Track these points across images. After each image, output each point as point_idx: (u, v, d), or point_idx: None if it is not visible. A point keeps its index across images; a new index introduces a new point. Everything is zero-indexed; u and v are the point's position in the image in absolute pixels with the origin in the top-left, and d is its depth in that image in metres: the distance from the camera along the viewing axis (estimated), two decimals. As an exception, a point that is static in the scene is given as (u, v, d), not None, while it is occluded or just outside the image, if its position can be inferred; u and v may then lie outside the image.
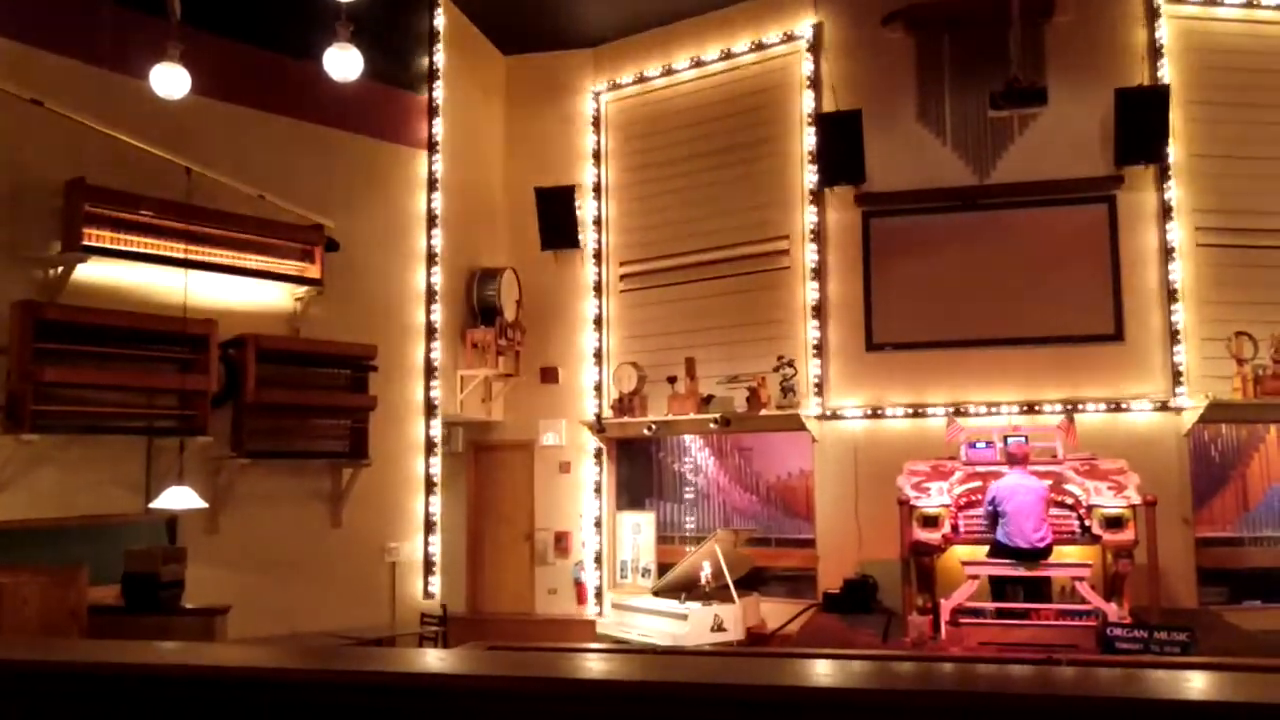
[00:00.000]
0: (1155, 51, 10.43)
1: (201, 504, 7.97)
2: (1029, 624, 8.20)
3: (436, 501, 11.02)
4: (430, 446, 11.02)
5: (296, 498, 9.96)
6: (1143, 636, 7.37)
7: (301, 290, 9.91)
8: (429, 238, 11.19)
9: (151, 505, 8.15)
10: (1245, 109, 10.48)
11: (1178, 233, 10.29)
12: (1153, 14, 10.46)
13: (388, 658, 4.26)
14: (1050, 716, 2.60)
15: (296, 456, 9.88)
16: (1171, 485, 9.73)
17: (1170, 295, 10.24)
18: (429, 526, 10.95)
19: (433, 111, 11.36)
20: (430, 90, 11.39)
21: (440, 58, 11.41)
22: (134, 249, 8.61)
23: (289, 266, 9.79)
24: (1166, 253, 10.29)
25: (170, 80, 7.32)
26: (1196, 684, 2.78)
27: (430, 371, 11.05)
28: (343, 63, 7.18)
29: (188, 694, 3.18)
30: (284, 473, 9.79)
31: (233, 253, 9.31)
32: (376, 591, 10.50)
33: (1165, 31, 10.44)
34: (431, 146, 11.31)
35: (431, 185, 11.25)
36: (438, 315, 11.11)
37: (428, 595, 10.87)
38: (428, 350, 11.06)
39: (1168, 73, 10.39)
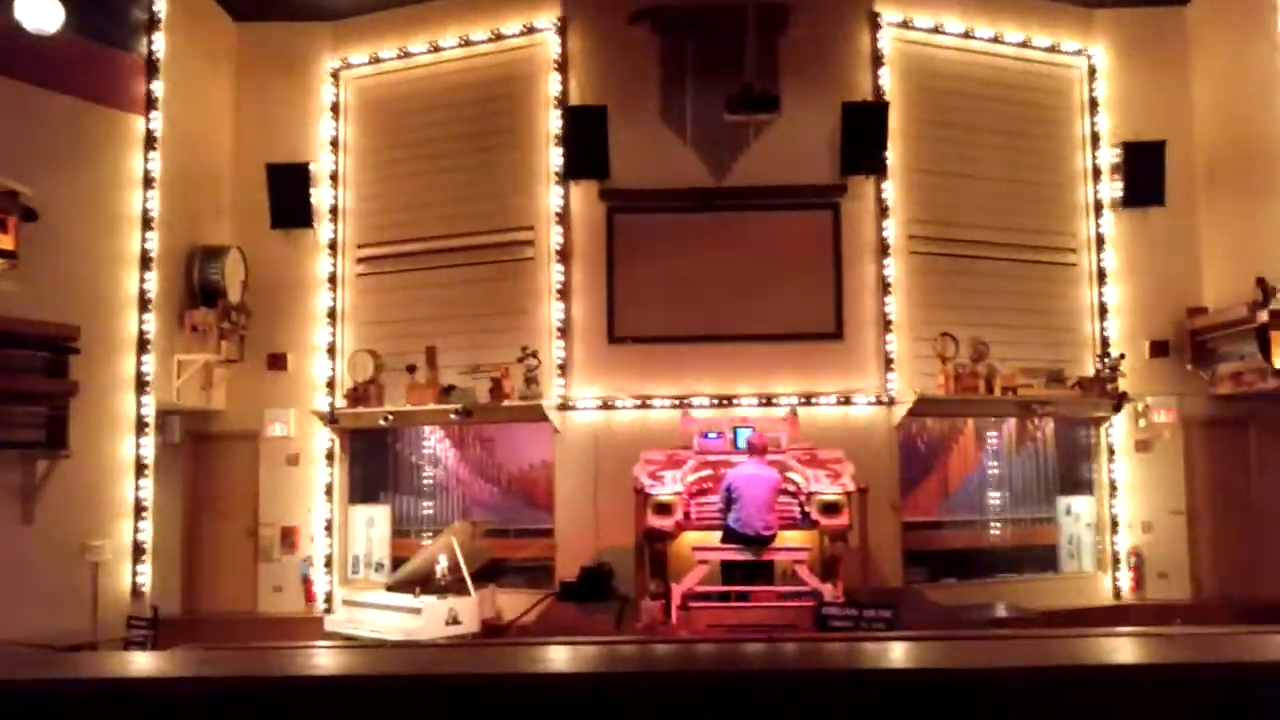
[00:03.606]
0: (878, 70, 11.17)
1: None
2: (753, 606, 8.56)
3: (148, 496, 10.21)
4: (141, 436, 10.17)
5: (-20, 492, 8.93)
6: (853, 615, 7.86)
7: (-10, 262, 8.87)
8: (144, 211, 10.33)
9: None
10: (955, 129, 11.46)
11: (892, 240, 11.07)
12: (876, 34, 11.20)
13: (78, 663, 3.85)
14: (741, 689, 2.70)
15: (-20, 447, 8.86)
16: (882, 474, 10.45)
17: (884, 298, 11.00)
18: (139, 523, 10.12)
19: (151, 75, 10.49)
20: (149, 51, 10.51)
21: (161, 17, 10.55)
22: None
23: (-26, 234, 8.74)
24: (882, 258, 11.05)
25: None
26: (870, 651, 2.95)
27: (142, 355, 10.20)
28: (39, 12, 6.47)
29: None
30: (-36, 465, 8.74)
31: (-97, 215, 8.21)
32: (75, 594, 9.57)
33: (887, 52, 11.21)
34: (149, 112, 10.45)
35: (148, 155, 10.40)
36: (152, 294, 10.29)
37: (136, 597, 10.05)
38: (140, 332, 10.21)
39: (888, 90, 11.15)
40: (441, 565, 9.61)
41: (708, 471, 9.24)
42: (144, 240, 10.32)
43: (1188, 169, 11.77)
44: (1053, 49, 11.83)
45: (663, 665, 2.92)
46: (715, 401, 10.80)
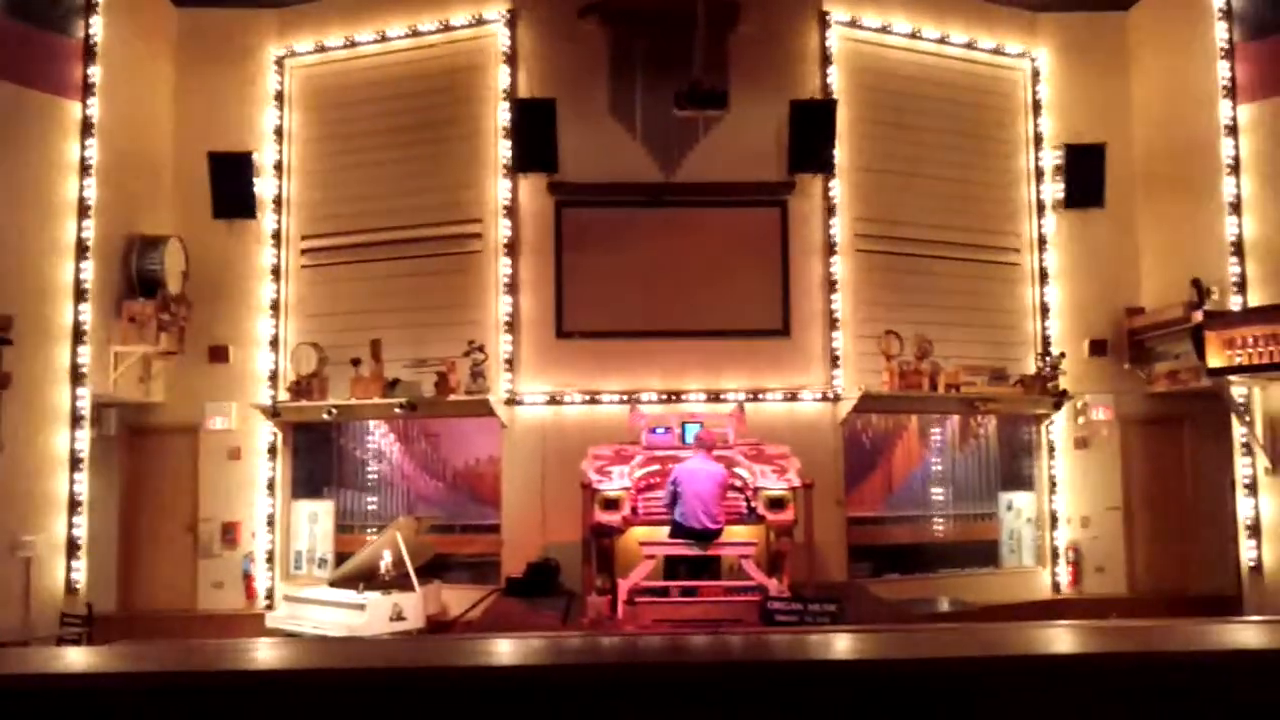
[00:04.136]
0: (826, 68, 11.23)
1: None
2: (699, 601, 8.58)
3: (83, 490, 10.00)
4: (76, 430, 9.94)
5: (-95, 487, 8.66)
6: (799, 609, 7.88)
7: (-84, 249, 8.61)
8: (81, 199, 10.13)
9: None
10: (902, 128, 11.58)
11: (839, 238, 11.15)
12: (825, 33, 11.26)
13: (7, 660, 3.74)
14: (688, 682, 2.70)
15: (-95, 440, 8.59)
16: (827, 469, 10.53)
17: (831, 295, 11.08)
18: (73, 518, 9.90)
19: (89, 60, 10.25)
20: (86, 36, 10.26)
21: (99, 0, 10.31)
22: None
23: (-100, 220, 8.47)
24: (829, 256, 11.13)
25: None
26: (786, 644, 2.96)
27: (78, 346, 9.97)
28: (-30, -13, 6.28)
29: None
30: (-111, 458, 8.48)
31: None
32: (7, 591, 9.35)
33: (836, 51, 11.28)
34: (86, 98, 10.21)
35: (85, 141, 10.18)
36: (88, 284, 10.07)
37: (70, 593, 9.83)
38: (76, 323, 9.99)
39: (836, 88, 11.22)
40: (386, 561, 9.50)
41: (655, 467, 9.22)
42: (80, 229, 10.11)
43: (1127, 171, 12.00)
44: (997, 51, 12.00)
45: (605, 657, 2.90)
46: (663, 397, 10.80)
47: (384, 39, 11.46)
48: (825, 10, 11.26)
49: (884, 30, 11.54)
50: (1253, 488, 10.92)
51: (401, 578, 9.49)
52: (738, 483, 9.08)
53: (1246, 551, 10.92)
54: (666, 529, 8.77)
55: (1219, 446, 11.44)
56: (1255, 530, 10.86)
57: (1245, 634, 3.40)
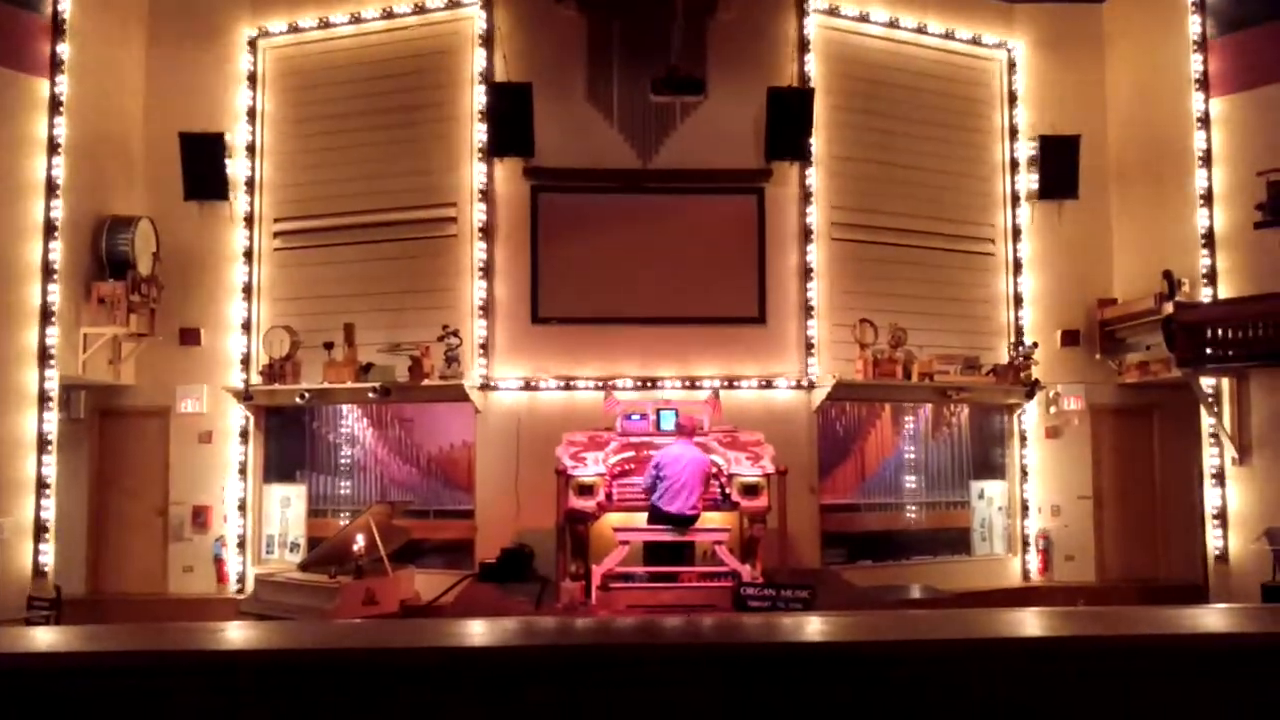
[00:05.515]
0: (803, 56, 11.22)
1: None
2: (673, 586, 8.61)
3: (51, 473, 9.89)
4: (44, 412, 9.82)
5: None
6: (771, 595, 7.92)
7: (-122, 228, 8.46)
8: (49, 178, 9.97)
9: None
10: (878, 117, 11.58)
11: (815, 226, 11.16)
12: (802, 21, 11.25)
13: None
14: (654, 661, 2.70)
15: None
16: (801, 457, 10.56)
17: (806, 283, 11.10)
18: (41, 500, 9.79)
19: (58, 36, 10.09)
20: (55, 11, 10.10)
21: (68, -25, 10.16)
22: None
23: None
24: (805, 244, 11.14)
25: None
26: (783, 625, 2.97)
27: (46, 327, 9.84)
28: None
29: None
30: None
31: None
32: (-28, 574, 9.23)
33: (813, 39, 11.27)
34: (54, 76, 10.05)
35: (53, 120, 10.02)
36: (57, 265, 9.93)
37: (38, 576, 9.72)
38: (44, 304, 9.85)
39: (814, 77, 11.22)
40: (359, 545, 9.47)
41: (630, 453, 9.24)
42: (49, 209, 9.96)
43: (1101, 163, 12.08)
44: (974, 41, 12.03)
45: (575, 639, 2.91)
46: (638, 383, 10.79)
47: (359, 20, 11.33)
48: (804, -3, 11.25)
49: (861, 19, 11.54)
50: (1220, 478, 11.06)
51: (375, 562, 9.46)
52: (713, 469, 9.10)
53: (1213, 541, 11.06)
54: (641, 515, 8.79)
55: (1188, 437, 11.57)
56: (1222, 520, 11.01)
57: (1208, 619, 3.44)
